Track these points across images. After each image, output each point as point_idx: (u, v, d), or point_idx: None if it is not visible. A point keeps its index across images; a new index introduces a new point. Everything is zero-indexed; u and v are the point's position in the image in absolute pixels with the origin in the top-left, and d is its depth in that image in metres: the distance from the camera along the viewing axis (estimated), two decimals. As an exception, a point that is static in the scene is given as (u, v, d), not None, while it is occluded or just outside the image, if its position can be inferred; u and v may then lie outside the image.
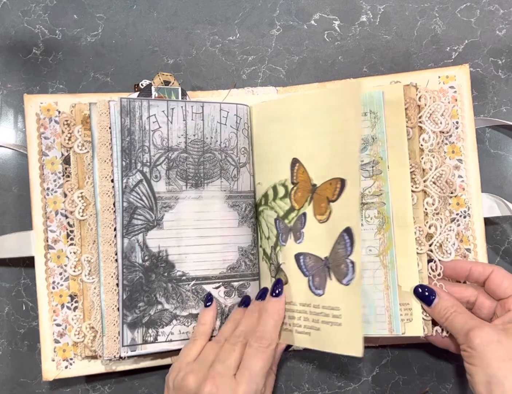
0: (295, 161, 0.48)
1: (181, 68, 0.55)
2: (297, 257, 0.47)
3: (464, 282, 0.49)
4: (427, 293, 0.46)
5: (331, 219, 0.45)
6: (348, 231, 0.43)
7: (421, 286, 0.46)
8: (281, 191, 0.49)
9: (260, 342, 0.43)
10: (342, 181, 0.44)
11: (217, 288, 0.49)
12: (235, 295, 0.49)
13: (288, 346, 0.48)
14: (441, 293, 0.46)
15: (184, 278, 0.48)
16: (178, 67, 0.55)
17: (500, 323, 0.43)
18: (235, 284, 0.50)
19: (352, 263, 0.43)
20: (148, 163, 0.48)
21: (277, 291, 0.47)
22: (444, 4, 0.55)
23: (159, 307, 0.48)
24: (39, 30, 0.55)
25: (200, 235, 0.49)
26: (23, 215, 0.52)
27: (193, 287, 0.48)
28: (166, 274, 0.48)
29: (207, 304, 0.48)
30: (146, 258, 0.48)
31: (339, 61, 0.55)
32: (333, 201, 0.45)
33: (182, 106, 0.49)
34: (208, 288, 0.49)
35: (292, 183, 0.48)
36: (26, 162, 0.50)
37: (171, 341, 0.47)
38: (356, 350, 0.42)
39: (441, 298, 0.45)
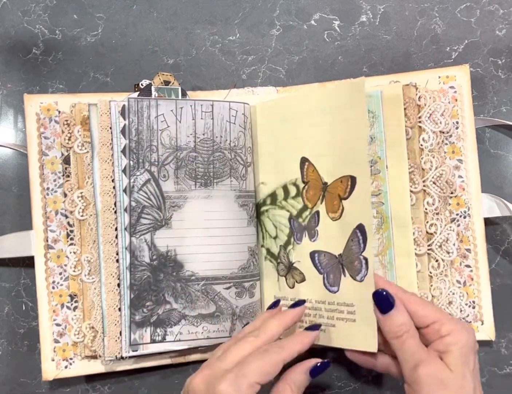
0: (304, 160, 0.48)
1: (181, 68, 0.55)
2: (312, 255, 0.48)
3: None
4: (386, 298, 0.41)
5: (343, 216, 0.45)
6: (360, 228, 0.43)
7: (382, 290, 0.42)
8: (293, 190, 0.49)
9: (277, 347, 0.41)
10: (353, 179, 0.44)
11: (227, 288, 0.49)
12: (246, 295, 0.49)
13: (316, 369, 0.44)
14: (400, 306, 0.41)
15: (193, 277, 0.48)
16: (178, 67, 0.55)
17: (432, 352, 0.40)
18: (246, 284, 0.50)
19: (365, 259, 0.43)
20: (156, 163, 0.48)
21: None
22: (444, 4, 0.55)
23: (168, 306, 0.48)
24: (39, 30, 0.55)
25: (209, 234, 0.49)
26: (23, 215, 0.52)
27: (202, 287, 0.48)
28: (174, 274, 0.48)
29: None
30: (154, 257, 0.48)
31: (339, 61, 0.55)
32: (345, 199, 0.45)
33: (191, 105, 0.49)
34: (219, 288, 0.49)
35: (303, 182, 0.48)
36: (26, 162, 0.50)
37: (179, 340, 0.48)
38: (370, 345, 0.42)
39: (399, 311, 0.41)
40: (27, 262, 0.52)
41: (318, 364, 0.43)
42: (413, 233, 0.48)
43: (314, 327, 0.45)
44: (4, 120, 0.54)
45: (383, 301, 0.41)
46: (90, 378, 0.51)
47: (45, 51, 0.54)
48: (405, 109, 0.49)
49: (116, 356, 0.47)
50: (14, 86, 0.54)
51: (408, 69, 0.54)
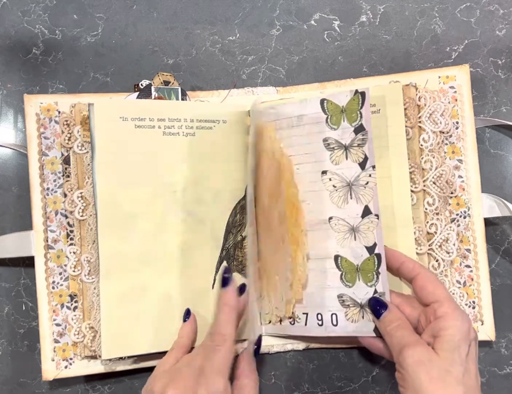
0: None
1: (181, 68, 0.55)
2: None
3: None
4: (378, 306, 0.44)
5: None
6: None
7: (374, 298, 0.45)
8: None
9: (211, 340, 0.42)
10: None
11: None
12: None
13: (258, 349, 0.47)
14: (391, 307, 0.44)
15: None
16: (178, 67, 0.55)
17: (426, 338, 0.41)
18: None
19: None
20: None
21: (225, 281, 0.45)
22: (444, 4, 0.55)
23: None
24: (39, 30, 0.55)
25: None
26: (23, 215, 0.52)
27: None
28: None
29: (185, 319, 0.47)
30: None
31: (339, 61, 0.55)
32: None
33: None
34: None
35: None
36: (26, 162, 0.50)
37: None
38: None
39: (390, 311, 0.44)
40: (27, 262, 0.52)
41: (255, 346, 0.46)
42: (414, 233, 0.48)
43: (225, 280, 0.45)
44: (4, 120, 0.54)
45: (375, 310, 0.44)
46: (90, 378, 0.51)
47: (45, 51, 0.54)
48: (405, 109, 0.49)
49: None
50: (14, 86, 0.54)
51: (408, 69, 0.54)
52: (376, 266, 0.46)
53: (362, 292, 0.46)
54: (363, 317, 0.46)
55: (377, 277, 0.45)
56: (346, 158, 0.47)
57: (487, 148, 0.54)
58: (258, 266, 0.50)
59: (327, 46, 0.55)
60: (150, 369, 0.50)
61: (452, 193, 0.50)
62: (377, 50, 0.55)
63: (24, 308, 0.52)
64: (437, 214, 0.49)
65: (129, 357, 0.48)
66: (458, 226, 0.50)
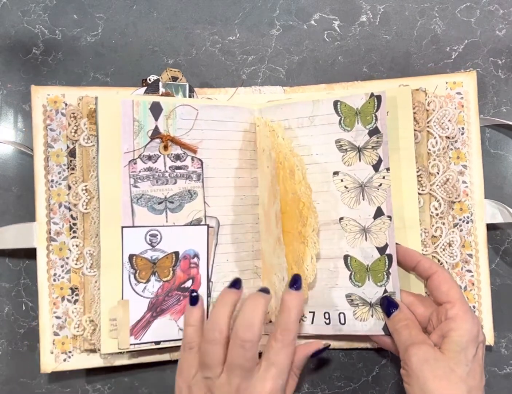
0: None
1: (181, 68, 0.55)
2: None
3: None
4: (389, 306, 0.45)
5: None
6: None
7: (386, 298, 0.46)
8: None
9: (286, 335, 0.40)
10: None
11: None
12: None
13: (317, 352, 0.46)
14: (402, 307, 0.45)
15: None
16: (178, 67, 0.55)
17: (435, 337, 0.42)
18: None
19: None
20: None
21: (296, 285, 0.42)
22: (444, 4, 0.55)
23: None
24: (39, 30, 0.55)
25: None
26: (23, 215, 0.52)
27: None
28: None
29: (193, 303, 0.44)
30: None
31: (339, 61, 0.55)
32: None
33: None
34: None
35: None
36: (26, 162, 0.50)
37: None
38: None
39: (400, 311, 0.45)
40: (27, 262, 0.52)
41: (321, 348, 0.46)
42: (421, 235, 0.48)
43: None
44: (4, 120, 0.54)
45: (387, 310, 0.45)
46: (91, 378, 0.51)
47: (45, 51, 0.54)
48: (414, 113, 0.49)
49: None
50: (14, 86, 0.54)
51: (408, 69, 0.54)
52: (386, 266, 0.46)
53: (372, 291, 0.47)
54: (372, 316, 0.47)
55: (388, 277, 0.46)
56: (359, 160, 0.47)
57: (487, 148, 0.54)
58: (259, 265, 0.50)
59: (327, 46, 0.55)
60: (149, 365, 0.50)
61: (456, 198, 0.50)
62: (377, 50, 0.55)
63: (24, 308, 0.52)
64: (441, 218, 0.49)
65: (128, 352, 0.48)
66: (461, 231, 0.50)
